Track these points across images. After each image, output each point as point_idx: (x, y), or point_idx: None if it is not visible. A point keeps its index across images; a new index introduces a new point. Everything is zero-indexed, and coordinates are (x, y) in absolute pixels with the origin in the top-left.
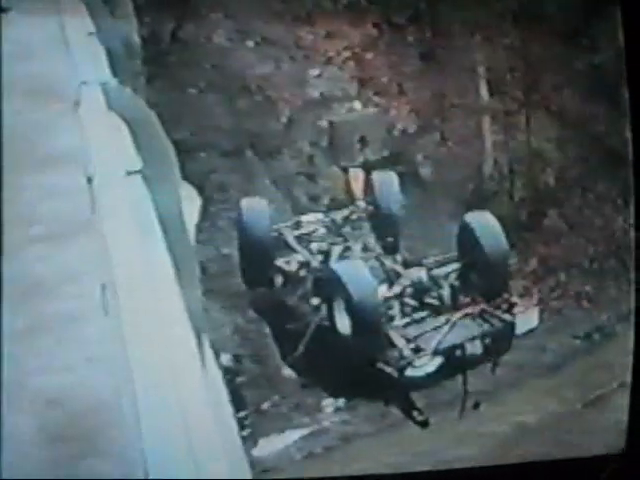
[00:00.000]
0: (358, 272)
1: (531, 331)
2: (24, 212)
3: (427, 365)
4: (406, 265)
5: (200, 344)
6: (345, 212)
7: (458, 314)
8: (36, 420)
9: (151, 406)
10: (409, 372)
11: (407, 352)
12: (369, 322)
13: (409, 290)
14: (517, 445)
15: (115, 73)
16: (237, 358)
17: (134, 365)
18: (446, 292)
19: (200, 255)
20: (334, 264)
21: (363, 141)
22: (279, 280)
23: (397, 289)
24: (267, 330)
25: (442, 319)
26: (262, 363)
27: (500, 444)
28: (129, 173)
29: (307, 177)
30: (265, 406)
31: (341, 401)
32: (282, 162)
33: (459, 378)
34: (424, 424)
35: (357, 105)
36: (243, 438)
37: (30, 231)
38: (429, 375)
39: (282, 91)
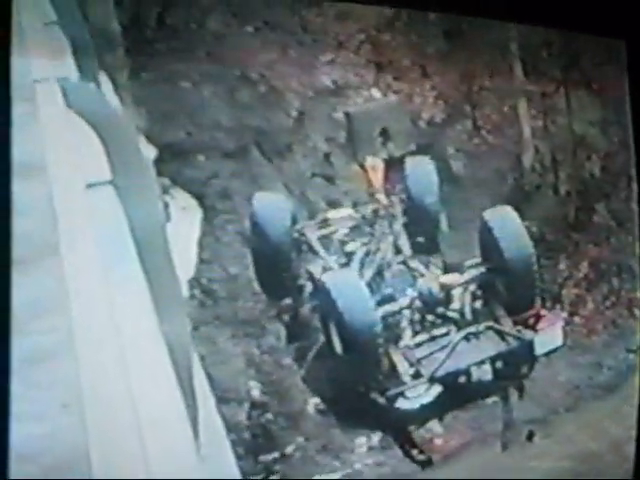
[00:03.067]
0: (349, 284)
1: (553, 351)
2: None
3: (422, 395)
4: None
5: (186, 385)
6: (373, 206)
7: (461, 332)
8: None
9: (110, 470)
10: (400, 404)
11: (407, 378)
12: (361, 343)
13: (418, 303)
14: None
15: (82, 68)
16: (250, 396)
17: (95, 415)
18: (467, 304)
19: (204, 276)
20: (324, 275)
21: (385, 134)
22: (308, 288)
23: (404, 301)
24: (287, 361)
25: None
26: (282, 399)
27: None
28: (92, 185)
29: (324, 178)
30: (289, 450)
31: (375, 439)
32: (294, 162)
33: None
34: (425, 464)
35: (376, 93)
36: None
37: None
38: (424, 407)
39: (290, 80)
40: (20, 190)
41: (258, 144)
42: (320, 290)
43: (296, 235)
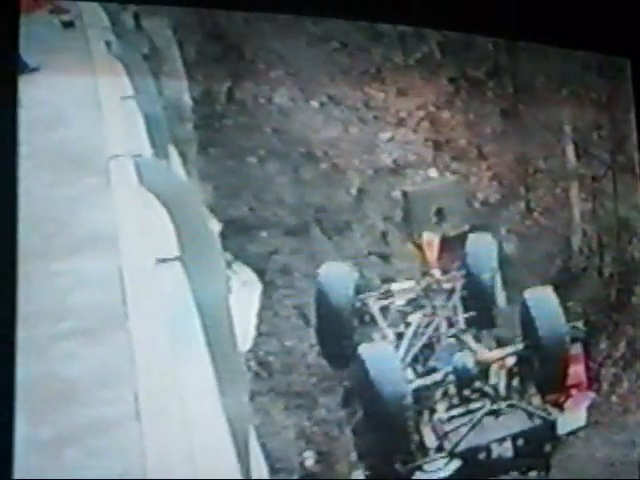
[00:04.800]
0: (382, 356)
1: (576, 431)
2: (53, 304)
3: (441, 470)
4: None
5: (243, 455)
6: (428, 281)
7: (483, 409)
8: None
9: None
10: (417, 476)
11: (432, 451)
12: (391, 414)
13: (451, 377)
14: None
15: (155, 143)
16: (302, 466)
17: None
18: (502, 380)
19: (261, 349)
20: (360, 347)
21: (440, 214)
22: None
23: (438, 376)
24: (335, 433)
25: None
26: (329, 469)
27: None
28: (162, 260)
29: (379, 257)
30: None
31: None
32: (352, 240)
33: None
34: None
35: (433, 173)
36: None
37: (59, 326)
38: None
39: (351, 158)
40: (90, 261)
41: (319, 221)
42: (358, 361)
43: (358, 304)
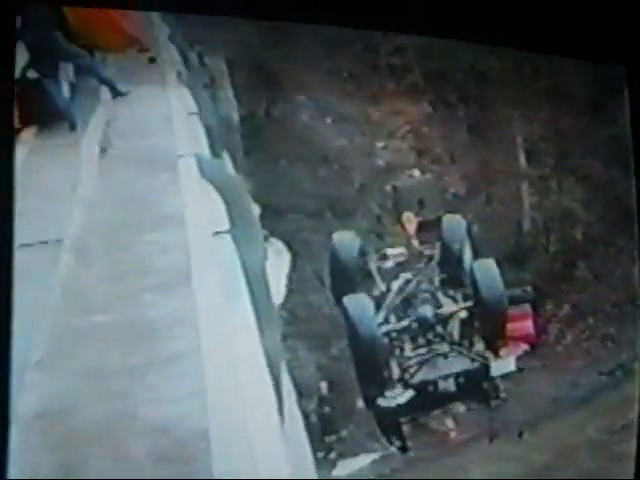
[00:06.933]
0: (360, 305)
1: (507, 374)
2: (139, 265)
3: (398, 397)
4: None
5: (277, 384)
6: (411, 250)
7: (431, 352)
8: (145, 445)
9: (223, 440)
10: (379, 402)
11: (395, 383)
12: (367, 352)
13: (414, 325)
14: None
15: (213, 147)
16: (319, 392)
17: (215, 401)
18: (456, 328)
19: (290, 302)
20: (344, 297)
21: (421, 203)
22: None
23: (405, 323)
24: (343, 368)
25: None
26: (340, 396)
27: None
28: (218, 233)
29: (376, 235)
30: (344, 433)
31: (406, 429)
32: (356, 222)
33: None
34: (402, 449)
35: (416, 172)
36: (326, 461)
37: (143, 281)
38: (399, 406)
39: (355, 161)
40: (163, 235)
41: (331, 208)
42: (342, 309)
43: (361, 263)
